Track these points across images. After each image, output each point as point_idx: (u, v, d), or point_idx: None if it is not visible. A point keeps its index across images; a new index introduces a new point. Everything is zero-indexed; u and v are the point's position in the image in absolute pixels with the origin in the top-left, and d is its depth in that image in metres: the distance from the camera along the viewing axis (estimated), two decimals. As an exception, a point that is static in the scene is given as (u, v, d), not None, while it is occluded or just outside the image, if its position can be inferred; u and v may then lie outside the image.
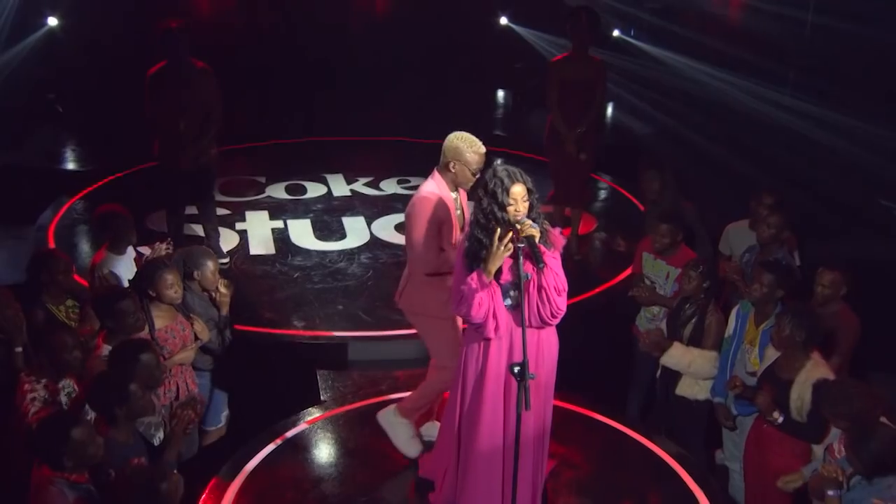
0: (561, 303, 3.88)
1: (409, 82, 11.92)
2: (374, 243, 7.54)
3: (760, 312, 4.82)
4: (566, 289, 3.88)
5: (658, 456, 5.01)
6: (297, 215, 8.14)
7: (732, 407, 4.92)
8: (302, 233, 7.74)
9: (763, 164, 8.92)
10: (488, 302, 3.83)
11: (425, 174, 8.93)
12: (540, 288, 3.82)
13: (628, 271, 6.53)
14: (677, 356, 5.03)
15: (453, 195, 4.55)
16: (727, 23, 11.68)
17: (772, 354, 4.57)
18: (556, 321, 3.94)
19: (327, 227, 7.89)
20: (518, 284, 3.73)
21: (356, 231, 7.79)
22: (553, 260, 3.84)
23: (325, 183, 8.95)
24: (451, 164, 4.47)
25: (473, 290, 3.79)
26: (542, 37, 12.64)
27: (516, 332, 3.88)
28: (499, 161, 3.90)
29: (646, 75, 11.61)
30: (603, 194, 8.78)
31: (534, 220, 3.82)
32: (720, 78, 10.81)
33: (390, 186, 8.90)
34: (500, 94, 13.27)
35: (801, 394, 4.31)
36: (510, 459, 3.81)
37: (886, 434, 3.48)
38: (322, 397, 5.56)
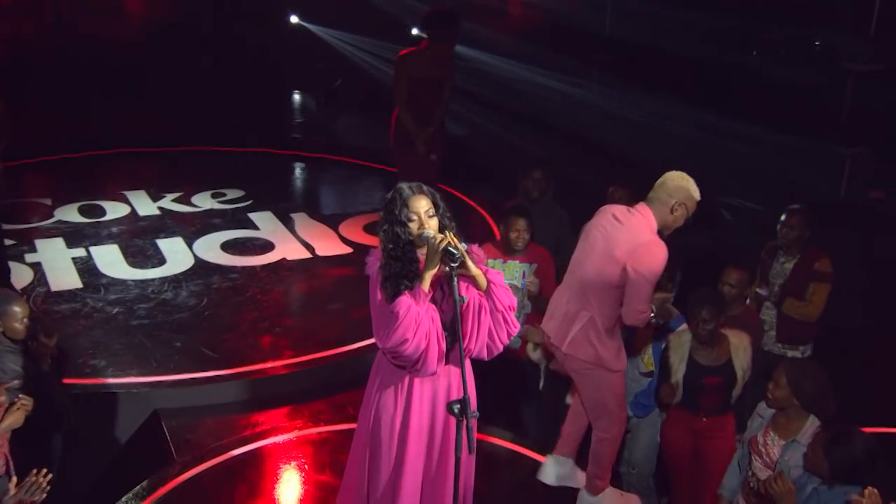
0: (515, 321, 3.37)
1: (200, 87, 10.89)
2: (201, 267, 6.67)
3: (647, 314, 4.73)
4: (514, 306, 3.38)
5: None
6: (100, 241, 7.06)
7: (628, 408, 4.77)
8: (111, 260, 6.69)
9: (580, 155, 8.98)
10: (428, 324, 3.17)
11: (237, 185, 8.31)
12: (493, 309, 3.30)
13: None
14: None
15: None
16: (527, 18, 11.80)
17: (679, 357, 4.43)
18: (505, 344, 3.41)
19: (141, 251, 6.90)
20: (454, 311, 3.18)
21: (176, 254, 6.87)
22: (498, 275, 3.34)
23: (127, 201, 7.89)
24: (675, 206, 3.91)
25: (407, 309, 3.12)
26: (342, 35, 12.11)
27: (442, 368, 3.34)
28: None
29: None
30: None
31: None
32: (526, 74, 10.86)
33: (204, 201, 8.00)
34: (297, 96, 12.55)
35: (741, 364, 4.32)
36: None
37: (865, 440, 3.28)
38: (175, 455, 4.71)
